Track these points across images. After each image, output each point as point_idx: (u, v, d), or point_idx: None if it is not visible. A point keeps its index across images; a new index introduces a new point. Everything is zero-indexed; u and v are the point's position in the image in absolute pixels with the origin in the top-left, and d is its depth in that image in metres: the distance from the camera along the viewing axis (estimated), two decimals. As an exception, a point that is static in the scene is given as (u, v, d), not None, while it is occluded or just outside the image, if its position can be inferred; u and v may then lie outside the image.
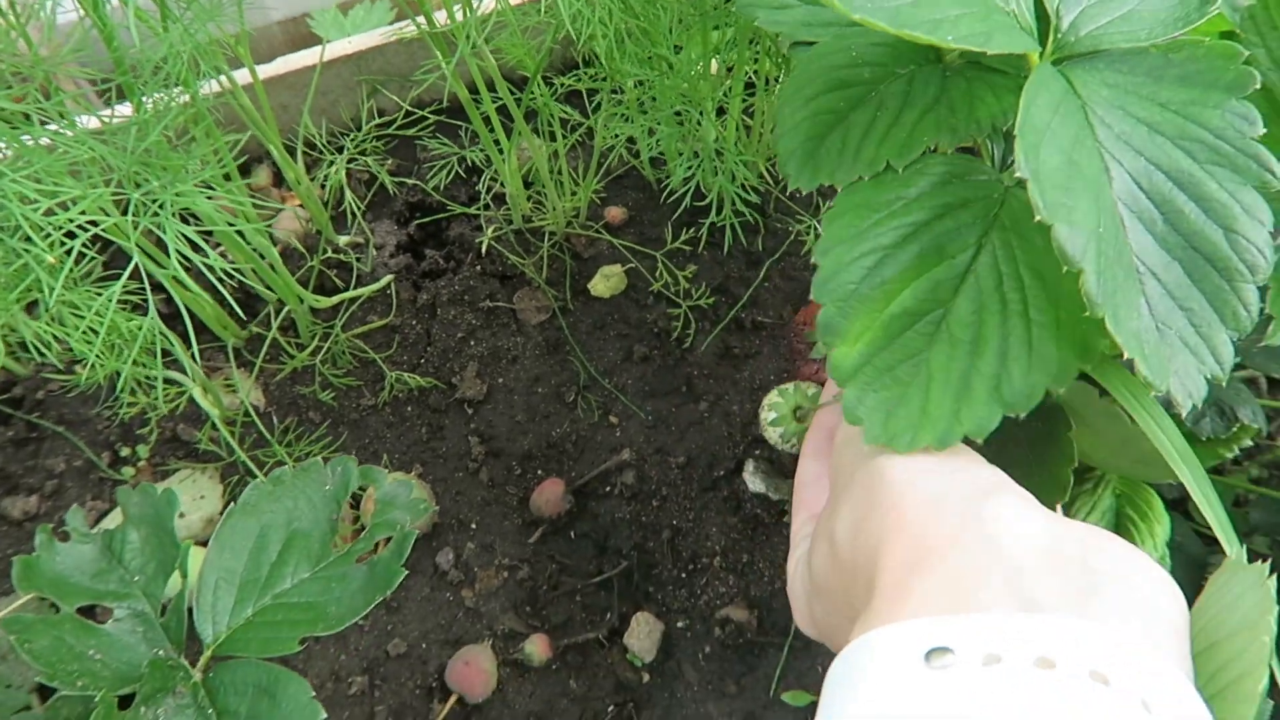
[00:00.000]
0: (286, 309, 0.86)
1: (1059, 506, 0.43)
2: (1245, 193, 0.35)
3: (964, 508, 0.32)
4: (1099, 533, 0.32)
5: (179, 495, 0.63)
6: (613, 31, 0.63)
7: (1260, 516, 0.72)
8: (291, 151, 0.92)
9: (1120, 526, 0.63)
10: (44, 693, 0.73)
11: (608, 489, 0.86)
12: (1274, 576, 0.33)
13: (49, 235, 0.49)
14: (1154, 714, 0.25)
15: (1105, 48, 0.37)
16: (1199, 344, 0.34)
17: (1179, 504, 0.75)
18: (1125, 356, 0.32)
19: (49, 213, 0.49)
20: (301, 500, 0.63)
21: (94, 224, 0.50)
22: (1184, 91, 0.36)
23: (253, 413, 0.78)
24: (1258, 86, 0.35)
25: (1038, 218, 0.32)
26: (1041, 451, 0.48)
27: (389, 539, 0.61)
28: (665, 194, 0.95)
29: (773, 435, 0.58)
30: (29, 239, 0.49)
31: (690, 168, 0.66)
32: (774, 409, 0.59)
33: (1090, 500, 0.64)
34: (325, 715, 0.53)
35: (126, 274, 0.54)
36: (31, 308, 0.62)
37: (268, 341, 0.83)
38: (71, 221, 0.48)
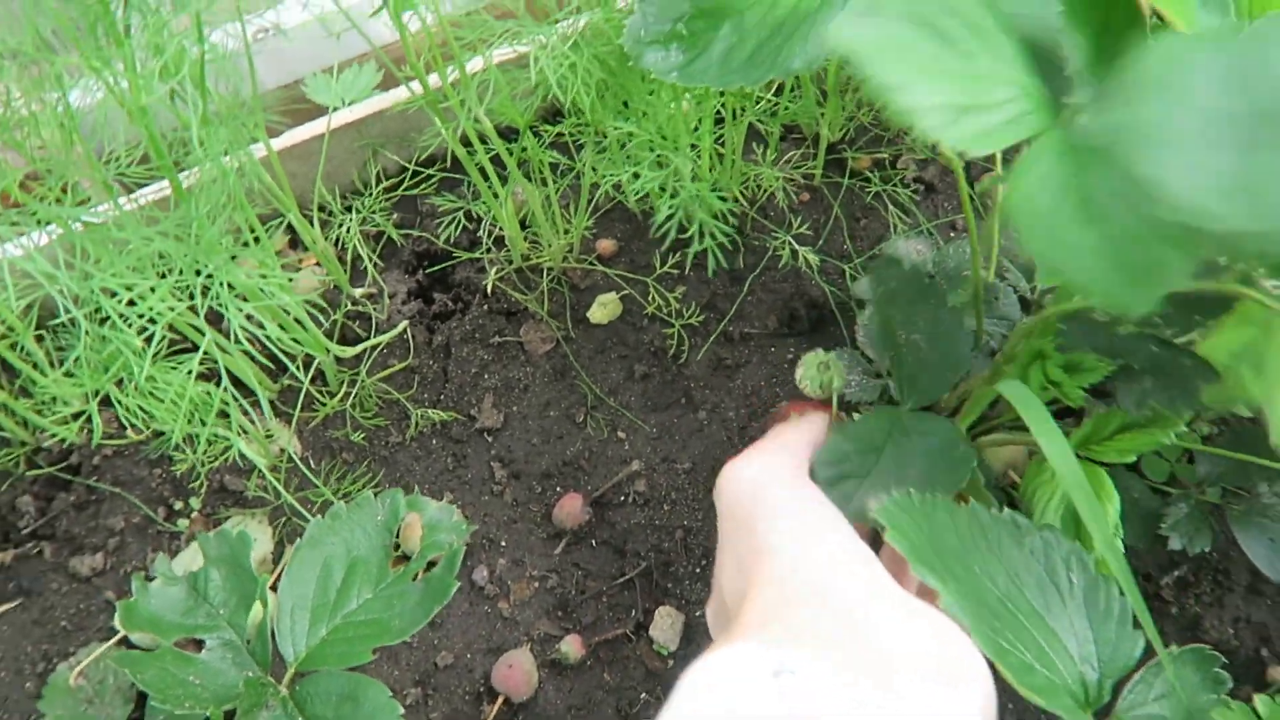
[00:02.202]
0: (315, 361, 0.95)
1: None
2: None
3: (815, 582, 0.40)
4: (940, 627, 0.41)
5: (251, 540, 0.71)
6: (593, 88, 0.72)
7: (1206, 469, 0.80)
8: (305, 215, 1.00)
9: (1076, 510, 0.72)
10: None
11: (622, 498, 0.95)
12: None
13: (129, 322, 0.58)
14: None
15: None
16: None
17: (1134, 465, 0.84)
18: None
19: (130, 303, 0.57)
20: (358, 531, 0.72)
21: (170, 309, 0.58)
22: None
23: (294, 457, 0.86)
24: None
25: None
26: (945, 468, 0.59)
27: (436, 560, 0.69)
28: (651, 226, 1.04)
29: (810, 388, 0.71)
30: (115, 327, 0.57)
31: (672, 207, 0.75)
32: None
33: (1050, 489, 0.72)
34: (403, 711, 0.61)
35: (201, 351, 0.62)
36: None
37: (302, 392, 0.91)
38: (152, 309, 0.56)
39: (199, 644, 0.68)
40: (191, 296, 0.60)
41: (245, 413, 0.83)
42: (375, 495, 0.73)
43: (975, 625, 0.45)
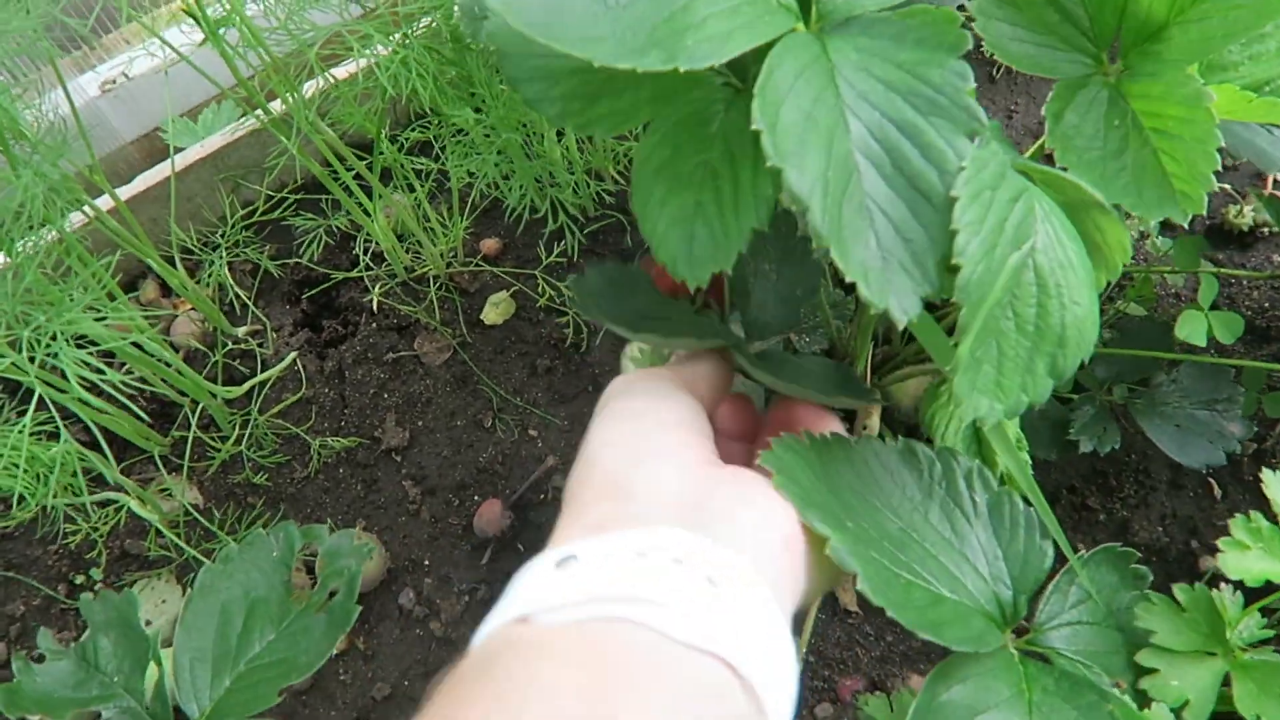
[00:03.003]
0: (201, 407, 0.91)
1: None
2: (959, 140, 0.42)
3: (629, 472, 0.40)
4: (737, 478, 0.41)
5: (138, 599, 0.67)
6: (431, 82, 0.69)
7: (1104, 370, 0.80)
8: (170, 260, 0.96)
9: (979, 430, 0.71)
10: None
11: (542, 497, 0.92)
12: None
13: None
14: (718, 586, 0.33)
15: (858, 14, 0.44)
16: (915, 268, 0.41)
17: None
18: (848, 280, 0.39)
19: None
20: (254, 571, 0.68)
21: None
22: (917, 53, 0.43)
23: (193, 510, 0.82)
24: (970, 48, 0.43)
25: (769, 163, 0.39)
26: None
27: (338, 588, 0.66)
28: (529, 219, 1.02)
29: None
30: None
31: (524, 189, 0.73)
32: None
33: (947, 412, 0.71)
34: (316, 750, 0.58)
35: (33, 406, 0.58)
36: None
37: (189, 441, 0.87)
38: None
39: (97, 716, 0.64)
40: (19, 350, 0.56)
41: (129, 472, 0.78)
42: (267, 531, 0.69)
43: (870, 569, 0.44)
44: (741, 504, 0.40)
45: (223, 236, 1.01)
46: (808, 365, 0.64)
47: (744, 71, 0.52)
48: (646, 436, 0.42)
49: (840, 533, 0.44)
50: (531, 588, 0.34)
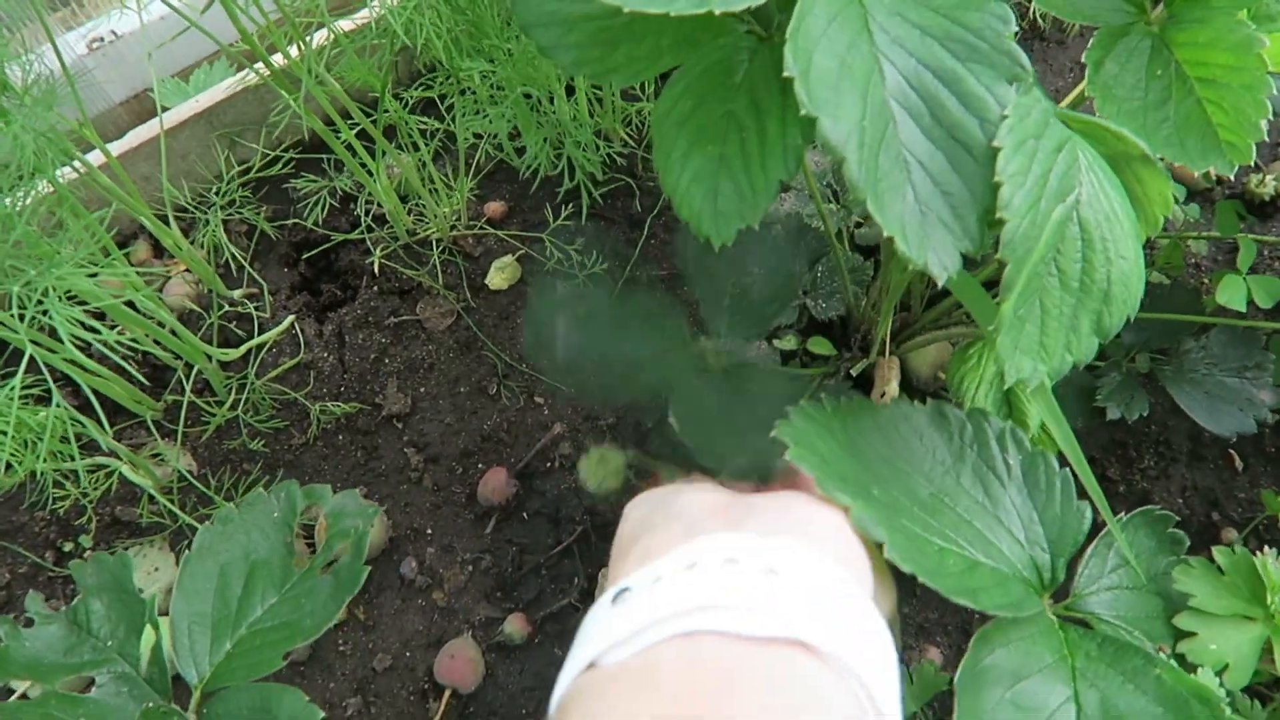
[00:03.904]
0: (195, 370, 0.88)
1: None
2: (1000, 87, 0.40)
3: (660, 509, 0.39)
4: (777, 494, 0.40)
5: (133, 560, 0.64)
6: (445, 33, 0.66)
7: (1131, 336, 0.78)
8: (164, 219, 0.92)
9: (1009, 391, 0.69)
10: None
11: (548, 465, 0.89)
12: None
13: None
14: (779, 574, 0.32)
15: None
16: (955, 222, 0.39)
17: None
18: (885, 234, 0.37)
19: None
20: (254, 532, 0.65)
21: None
22: None
23: (187, 476, 0.79)
24: (1010, -6, 0.40)
25: (803, 111, 0.36)
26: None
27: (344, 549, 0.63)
28: (539, 180, 0.99)
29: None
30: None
31: (539, 148, 0.70)
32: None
33: (976, 374, 0.69)
34: (324, 715, 0.56)
35: (22, 367, 0.55)
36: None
37: (184, 406, 0.83)
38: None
39: (90, 683, 0.61)
40: (8, 307, 0.53)
41: (120, 437, 0.75)
42: (269, 491, 0.66)
43: (898, 537, 0.41)
44: (787, 504, 0.39)
45: (218, 195, 0.98)
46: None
47: (768, 20, 0.49)
48: (676, 488, 0.42)
49: (863, 501, 0.42)
50: (593, 632, 0.33)
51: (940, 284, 0.39)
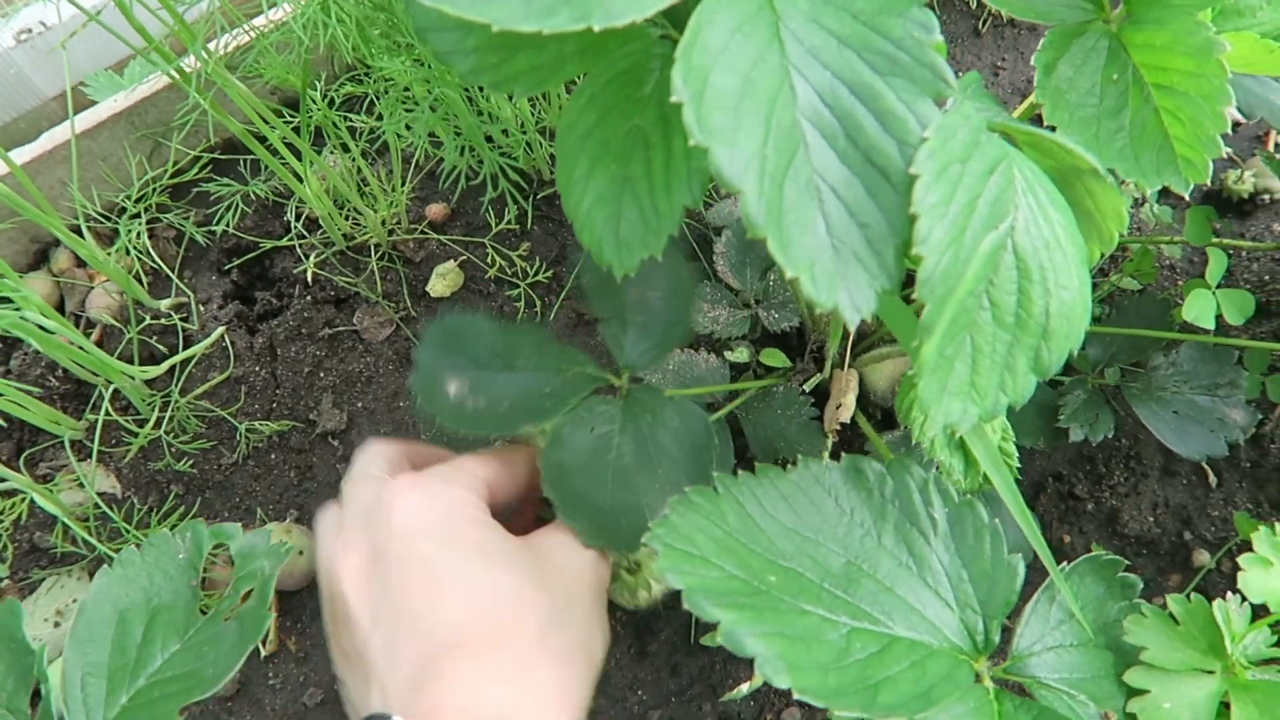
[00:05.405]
0: (113, 388, 0.83)
1: None
2: (922, 104, 0.35)
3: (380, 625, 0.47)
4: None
5: (22, 609, 0.60)
6: (354, 27, 0.61)
7: (1097, 351, 0.74)
8: (78, 229, 0.87)
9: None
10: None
11: (491, 484, 0.85)
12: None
13: None
14: None
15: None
16: (871, 258, 0.34)
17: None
18: (789, 275, 0.33)
19: None
20: (157, 575, 0.61)
21: None
22: (874, 0, 0.36)
23: (101, 502, 0.75)
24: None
25: (692, 142, 0.31)
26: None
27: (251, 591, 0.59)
28: (481, 178, 0.94)
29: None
30: None
31: (469, 149, 0.65)
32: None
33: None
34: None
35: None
36: None
37: (98, 426, 0.79)
38: None
39: (-25, 741, 0.57)
40: None
41: (37, 459, 0.71)
42: (173, 531, 0.62)
43: (775, 645, 0.38)
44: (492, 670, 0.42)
45: (140, 202, 0.93)
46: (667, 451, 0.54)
47: (683, 23, 0.44)
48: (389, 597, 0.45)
49: (737, 612, 0.39)
50: None
51: (852, 328, 0.34)
